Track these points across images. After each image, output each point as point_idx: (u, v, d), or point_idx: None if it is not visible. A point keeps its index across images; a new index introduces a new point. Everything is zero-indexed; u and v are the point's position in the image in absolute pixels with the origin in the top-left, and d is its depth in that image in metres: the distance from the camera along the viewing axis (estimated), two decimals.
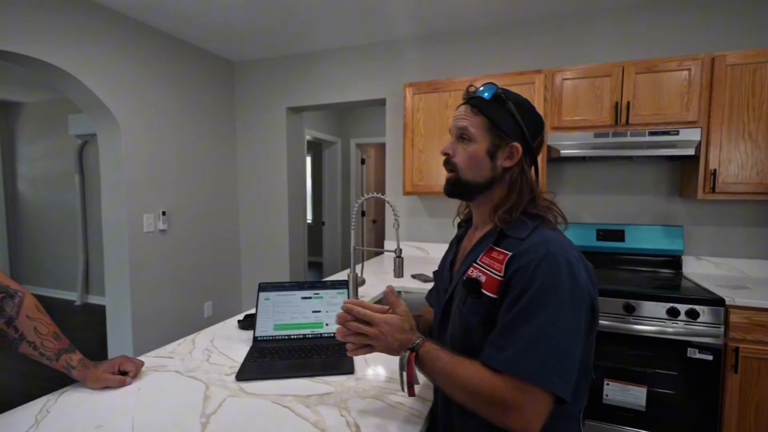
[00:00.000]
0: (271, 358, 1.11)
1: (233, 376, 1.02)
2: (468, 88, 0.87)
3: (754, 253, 2.25)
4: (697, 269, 2.33)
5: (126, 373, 0.97)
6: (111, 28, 2.46)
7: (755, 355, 1.78)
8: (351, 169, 5.23)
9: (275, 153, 3.37)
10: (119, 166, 2.56)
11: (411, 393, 0.74)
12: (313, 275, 5.77)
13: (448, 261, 0.95)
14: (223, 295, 3.37)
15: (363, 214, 5.45)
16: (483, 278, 0.76)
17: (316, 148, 6.07)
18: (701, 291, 1.93)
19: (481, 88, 0.83)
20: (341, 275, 2.30)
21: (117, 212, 2.59)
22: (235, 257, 3.51)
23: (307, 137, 4.40)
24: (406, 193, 2.64)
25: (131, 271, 2.60)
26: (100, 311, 4.06)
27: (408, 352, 0.74)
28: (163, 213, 2.80)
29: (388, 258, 2.84)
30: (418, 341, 0.76)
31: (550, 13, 2.49)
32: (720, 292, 1.88)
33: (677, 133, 2.04)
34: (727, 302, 1.79)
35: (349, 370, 1.05)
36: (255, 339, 1.22)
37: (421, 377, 0.78)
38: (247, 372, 1.03)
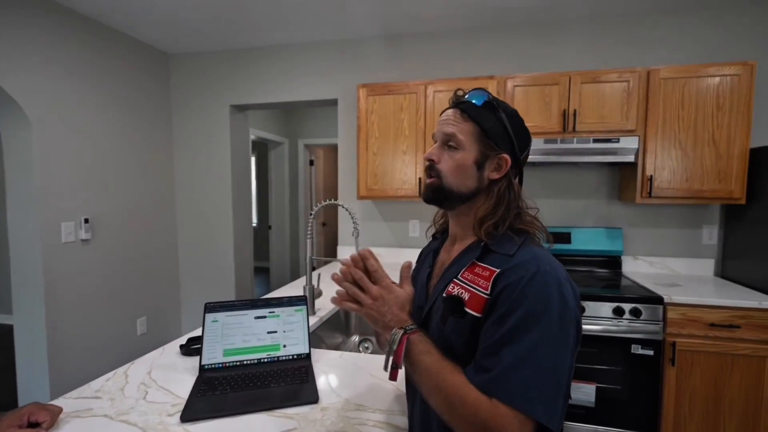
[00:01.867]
0: (222, 391, 0.98)
1: (177, 417, 0.88)
2: (456, 91, 0.81)
3: (683, 252, 2.44)
4: (635, 268, 2.49)
5: (38, 425, 0.80)
6: (15, 7, 2.12)
7: (689, 348, 1.92)
8: (299, 171, 5.04)
9: (218, 153, 3.13)
10: (29, 169, 2.22)
11: (393, 376, 0.69)
12: (259, 281, 5.50)
13: (425, 276, 0.86)
14: (158, 309, 3.07)
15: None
16: (466, 296, 0.70)
17: (261, 148, 5.80)
18: (642, 290, 2.05)
19: (472, 93, 0.77)
20: (295, 286, 2.17)
21: (27, 221, 2.24)
22: (173, 267, 3.21)
23: (252, 137, 4.16)
24: (360, 197, 2.56)
25: (46, 288, 2.26)
26: (6, 332, 3.53)
27: (401, 332, 0.69)
28: (86, 220, 2.48)
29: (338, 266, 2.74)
30: (413, 326, 0.71)
31: (504, 22, 2.54)
32: (658, 290, 2.01)
33: (618, 141, 2.16)
34: (666, 300, 1.92)
35: (313, 398, 0.95)
36: (202, 368, 1.08)
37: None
38: (194, 410, 0.89)
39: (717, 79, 2.08)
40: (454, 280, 0.74)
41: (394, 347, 0.68)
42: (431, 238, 0.95)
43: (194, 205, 3.20)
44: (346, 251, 2.91)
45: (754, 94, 2.07)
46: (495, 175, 0.75)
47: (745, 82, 2.05)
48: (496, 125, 0.74)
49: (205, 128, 3.13)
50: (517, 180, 0.78)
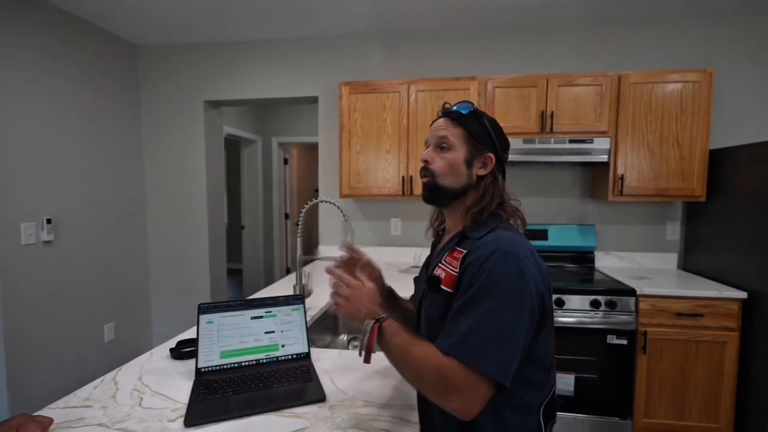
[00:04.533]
0: (224, 393, 0.94)
1: (180, 422, 0.84)
2: (444, 104, 0.93)
3: (649, 247, 2.59)
4: (606, 263, 2.62)
5: None
6: None
7: (659, 337, 2.04)
8: (273, 170, 4.93)
9: (191, 151, 3.01)
10: None
11: (367, 359, 0.78)
12: (231, 284, 5.34)
13: (425, 266, 1.02)
14: (128, 313, 2.92)
15: (287, 216, 5.19)
16: (443, 275, 0.82)
17: (232, 146, 5.63)
18: (616, 283, 2.15)
19: (459, 105, 0.90)
20: (282, 285, 2.12)
21: None
22: (143, 269, 3.06)
23: (223, 134, 4.03)
24: (343, 196, 2.54)
25: (4, 294, 2.10)
26: None
27: (372, 321, 0.78)
28: (48, 221, 2.32)
29: (322, 265, 2.71)
30: (383, 315, 0.80)
31: (486, 22, 2.59)
32: (630, 283, 2.12)
33: (592, 142, 2.26)
34: (638, 292, 2.03)
35: (320, 397, 0.93)
36: (198, 371, 1.04)
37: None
38: (197, 414, 0.86)
39: (680, 84, 2.22)
40: (439, 263, 0.86)
41: (367, 334, 0.78)
42: (433, 238, 1.05)
43: (166, 204, 3.07)
44: (329, 251, 2.88)
45: (713, 100, 2.23)
46: (482, 172, 0.87)
47: (705, 88, 2.20)
48: (481, 129, 0.87)
49: (178, 124, 3.00)
50: (501, 176, 0.89)
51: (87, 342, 2.59)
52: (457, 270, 0.79)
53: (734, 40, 2.44)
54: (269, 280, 4.93)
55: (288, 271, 5.26)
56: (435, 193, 0.89)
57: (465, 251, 0.79)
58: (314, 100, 2.90)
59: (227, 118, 4.09)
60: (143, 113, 3.03)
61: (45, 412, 0.87)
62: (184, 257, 3.08)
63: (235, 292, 5.18)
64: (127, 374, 1.06)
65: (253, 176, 4.84)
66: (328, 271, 0.90)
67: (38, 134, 2.29)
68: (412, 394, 0.96)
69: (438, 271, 0.84)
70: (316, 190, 6.11)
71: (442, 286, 0.81)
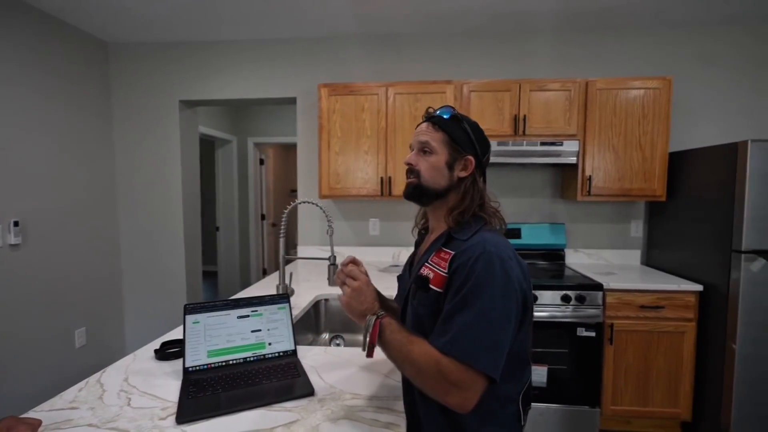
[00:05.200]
0: (214, 391, 0.96)
1: (171, 419, 0.85)
2: (427, 109, 0.98)
3: (615, 244, 2.74)
4: (575, 260, 2.75)
5: None
6: None
7: (624, 328, 2.17)
8: (249, 170, 4.88)
9: (166, 151, 2.95)
10: None
11: (370, 354, 0.81)
12: (206, 286, 5.23)
13: (408, 264, 1.06)
14: (99, 319, 2.83)
15: (263, 217, 5.14)
16: (431, 275, 0.87)
17: (207, 146, 5.52)
18: (585, 279, 2.27)
19: (440, 110, 0.94)
20: (264, 285, 2.12)
21: None
22: (115, 273, 2.98)
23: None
24: (322, 197, 2.56)
25: None
26: None
27: (374, 318, 0.82)
28: (15, 223, 2.24)
29: (302, 265, 2.72)
30: (383, 313, 0.84)
31: (462, 28, 2.67)
32: (598, 278, 2.24)
33: (562, 144, 2.38)
34: (605, 287, 2.15)
35: (309, 391, 0.96)
36: (186, 370, 1.05)
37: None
38: (189, 411, 0.87)
39: (642, 91, 2.36)
40: (426, 263, 0.90)
41: (370, 330, 0.81)
42: (417, 236, 1.09)
43: (139, 206, 3.00)
44: (308, 251, 2.89)
45: (672, 105, 2.39)
46: (463, 174, 0.91)
47: (664, 94, 2.35)
48: (461, 134, 0.91)
49: (152, 124, 2.94)
50: (481, 179, 0.94)
51: (57, 348, 2.50)
52: (446, 271, 0.83)
53: (692, 50, 2.62)
54: (245, 282, 4.87)
55: (265, 273, 5.21)
56: (418, 192, 0.93)
57: (453, 252, 0.84)
58: (292, 101, 2.90)
59: (201, 117, 4.02)
60: (115, 112, 2.95)
61: (30, 414, 0.86)
62: (159, 260, 3.02)
63: (211, 295, 5.10)
64: (111, 376, 1.06)
65: (229, 177, 4.78)
66: (343, 263, 0.92)
67: (2, 134, 2.20)
68: (397, 386, 1.01)
69: (425, 271, 0.88)
70: (293, 191, 6.08)
71: (431, 286, 0.85)
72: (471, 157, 0.91)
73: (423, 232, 1.06)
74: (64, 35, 2.56)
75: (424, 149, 0.92)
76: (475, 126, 0.94)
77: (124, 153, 2.97)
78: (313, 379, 1.04)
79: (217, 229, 4.82)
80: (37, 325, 2.37)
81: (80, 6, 2.37)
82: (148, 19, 2.55)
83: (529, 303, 0.84)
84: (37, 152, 2.38)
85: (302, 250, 2.91)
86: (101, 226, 2.85)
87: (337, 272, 0.91)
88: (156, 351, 1.19)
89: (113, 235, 2.96)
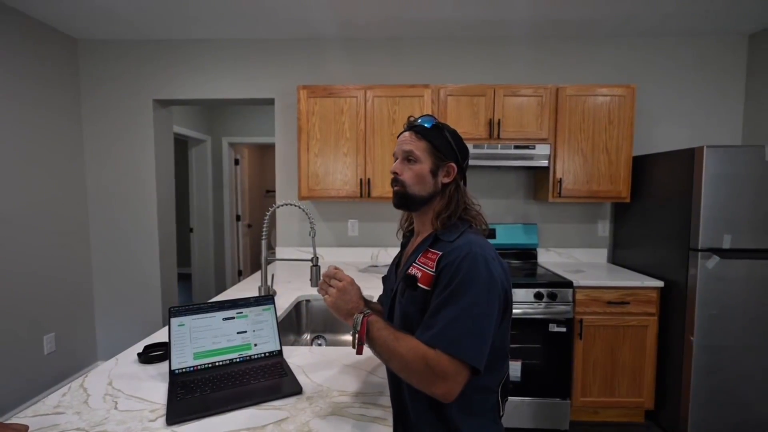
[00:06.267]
0: (202, 392, 0.97)
1: (161, 421, 0.86)
2: (408, 118, 1.02)
3: (583, 243, 2.87)
4: (547, 258, 2.86)
5: None
6: None
7: (592, 324, 2.28)
8: (224, 171, 4.80)
9: (139, 151, 2.88)
10: None
11: (359, 351, 0.86)
12: (180, 289, 5.10)
13: (394, 265, 1.09)
14: (69, 324, 2.74)
15: (238, 218, 5.07)
16: (419, 274, 0.91)
17: (180, 145, 5.39)
18: (556, 276, 2.38)
19: (422, 119, 0.98)
20: (245, 287, 2.11)
21: None
22: (85, 275, 2.88)
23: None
24: (301, 198, 2.57)
25: None
26: None
27: (362, 316, 0.87)
28: None
29: (280, 266, 2.72)
30: (369, 311, 0.89)
31: (440, 33, 2.73)
32: (568, 276, 2.35)
33: (534, 148, 2.48)
34: (575, 284, 2.26)
35: (297, 389, 0.99)
36: (172, 373, 1.05)
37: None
38: (179, 412, 0.88)
39: (608, 97, 2.49)
40: (413, 264, 0.95)
41: (358, 328, 0.86)
42: (402, 239, 1.13)
43: (111, 207, 2.91)
44: (286, 253, 2.89)
45: (636, 112, 2.53)
46: (446, 180, 0.96)
47: (629, 101, 2.49)
48: (443, 142, 0.95)
49: (125, 124, 2.87)
50: (462, 183, 0.99)
51: (24, 355, 2.41)
52: (434, 270, 0.88)
53: (655, 59, 2.78)
54: (220, 285, 4.80)
55: (240, 274, 5.14)
56: (405, 201, 0.98)
57: (440, 252, 0.89)
58: (270, 101, 2.89)
59: (175, 116, 3.94)
60: (85, 111, 2.86)
61: (14, 420, 0.85)
62: (132, 262, 2.94)
63: (186, 298, 4.98)
64: (95, 380, 1.05)
65: (203, 177, 4.69)
66: (329, 268, 0.98)
67: None
68: (382, 382, 1.05)
69: (413, 271, 0.93)
70: (269, 191, 6.02)
71: (420, 284, 0.89)
72: (453, 164, 0.95)
73: (408, 234, 1.10)
74: (28, 30, 2.46)
75: (408, 158, 0.96)
76: (454, 133, 0.98)
77: (96, 153, 2.88)
78: (300, 378, 1.06)
79: (191, 230, 4.72)
80: (2, 329, 2.27)
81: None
82: (119, 15, 2.48)
83: (509, 300, 0.90)
84: (0, 154, 2.28)
85: (281, 252, 2.91)
86: (71, 229, 2.76)
87: (320, 282, 0.95)
88: (139, 354, 1.18)
89: (84, 238, 2.87)
